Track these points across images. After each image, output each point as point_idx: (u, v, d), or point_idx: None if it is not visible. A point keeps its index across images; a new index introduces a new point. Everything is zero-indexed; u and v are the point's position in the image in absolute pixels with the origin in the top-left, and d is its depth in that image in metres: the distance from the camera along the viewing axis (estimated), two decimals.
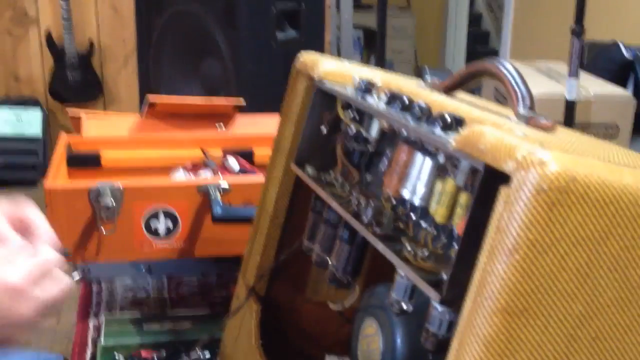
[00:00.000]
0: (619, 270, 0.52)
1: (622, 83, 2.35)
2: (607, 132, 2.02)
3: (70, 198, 1.19)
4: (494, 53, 5.07)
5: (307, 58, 0.94)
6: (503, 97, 2.16)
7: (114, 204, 1.18)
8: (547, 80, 2.21)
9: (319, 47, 2.34)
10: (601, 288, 0.51)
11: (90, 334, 1.22)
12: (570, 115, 1.87)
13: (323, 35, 2.45)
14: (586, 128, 1.98)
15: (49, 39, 3.15)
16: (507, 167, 0.51)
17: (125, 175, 1.25)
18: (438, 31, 6.10)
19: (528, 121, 0.68)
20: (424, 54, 6.07)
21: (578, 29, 1.82)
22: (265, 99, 1.78)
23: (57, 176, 1.30)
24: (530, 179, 0.49)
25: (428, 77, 0.88)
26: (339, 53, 3.47)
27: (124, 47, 3.31)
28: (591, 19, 2.05)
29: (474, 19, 6.05)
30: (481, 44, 5.92)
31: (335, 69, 0.88)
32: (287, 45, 2.19)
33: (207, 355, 1.10)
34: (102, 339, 1.14)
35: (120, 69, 3.34)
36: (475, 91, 2.64)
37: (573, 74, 1.84)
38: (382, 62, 2.13)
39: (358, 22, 4.72)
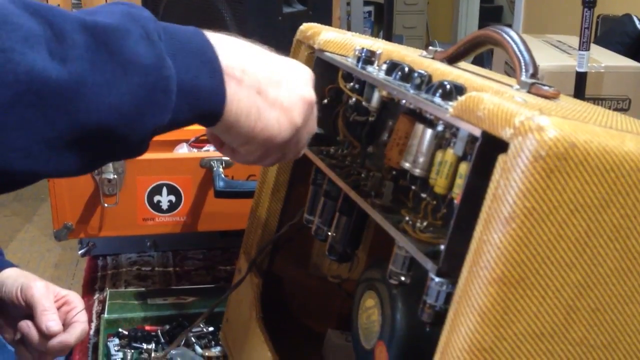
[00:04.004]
0: (620, 239, 0.50)
1: (636, 56, 2.31)
2: (618, 105, 1.99)
3: None
4: None
5: (308, 28, 0.92)
6: (514, 72, 2.12)
7: (116, 177, 1.17)
8: (558, 53, 2.17)
9: (328, 22, 2.31)
10: (601, 257, 0.50)
11: (95, 307, 1.23)
12: (580, 87, 1.83)
13: (331, 9, 2.41)
14: (597, 101, 1.95)
15: None
16: (505, 133, 0.50)
17: None
18: (450, 6, 6.03)
19: (530, 89, 0.66)
20: (436, 29, 6.02)
21: (589, 0, 1.78)
22: None
23: None
24: (527, 145, 0.47)
25: (431, 47, 0.86)
26: (349, 29, 3.43)
27: None
28: None
29: None
30: (494, 19, 5.86)
31: (336, 39, 0.86)
32: (295, 20, 2.16)
33: (210, 329, 1.10)
34: (105, 312, 1.14)
35: None
36: (487, 66, 2.61)
37: (584, 45, 1.80)
38: (389, 37, 2.10)
39: None
